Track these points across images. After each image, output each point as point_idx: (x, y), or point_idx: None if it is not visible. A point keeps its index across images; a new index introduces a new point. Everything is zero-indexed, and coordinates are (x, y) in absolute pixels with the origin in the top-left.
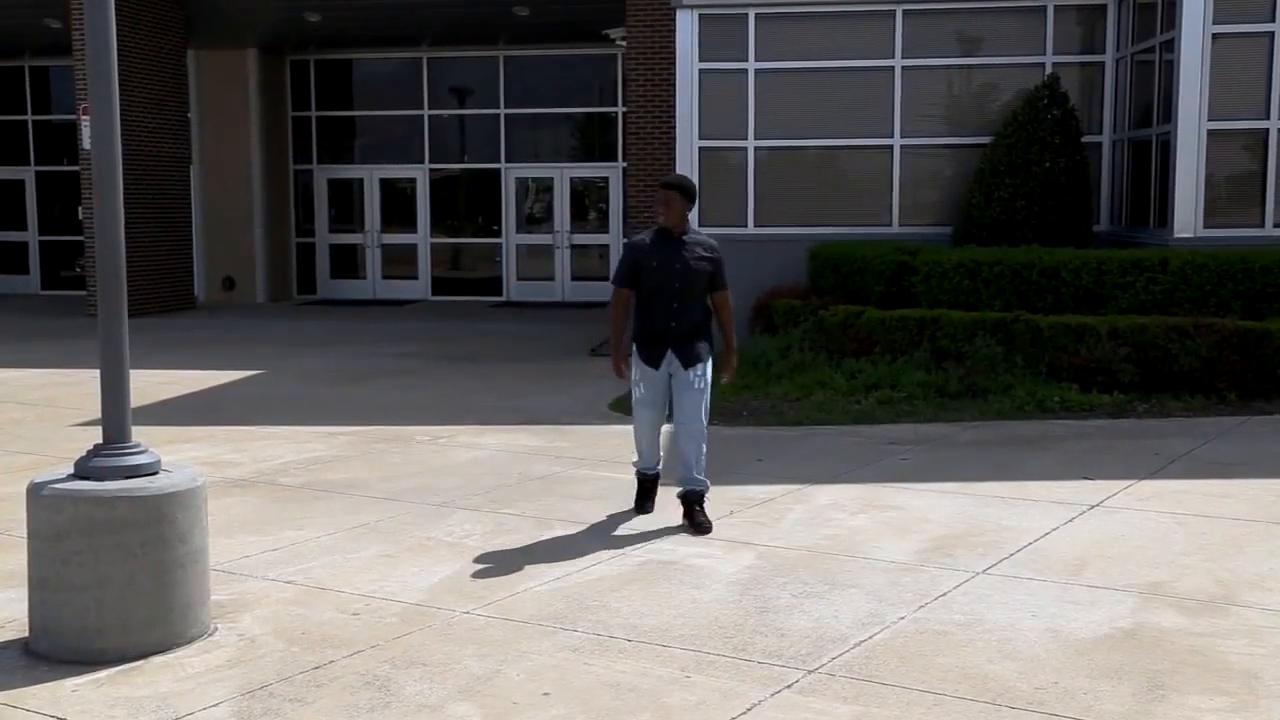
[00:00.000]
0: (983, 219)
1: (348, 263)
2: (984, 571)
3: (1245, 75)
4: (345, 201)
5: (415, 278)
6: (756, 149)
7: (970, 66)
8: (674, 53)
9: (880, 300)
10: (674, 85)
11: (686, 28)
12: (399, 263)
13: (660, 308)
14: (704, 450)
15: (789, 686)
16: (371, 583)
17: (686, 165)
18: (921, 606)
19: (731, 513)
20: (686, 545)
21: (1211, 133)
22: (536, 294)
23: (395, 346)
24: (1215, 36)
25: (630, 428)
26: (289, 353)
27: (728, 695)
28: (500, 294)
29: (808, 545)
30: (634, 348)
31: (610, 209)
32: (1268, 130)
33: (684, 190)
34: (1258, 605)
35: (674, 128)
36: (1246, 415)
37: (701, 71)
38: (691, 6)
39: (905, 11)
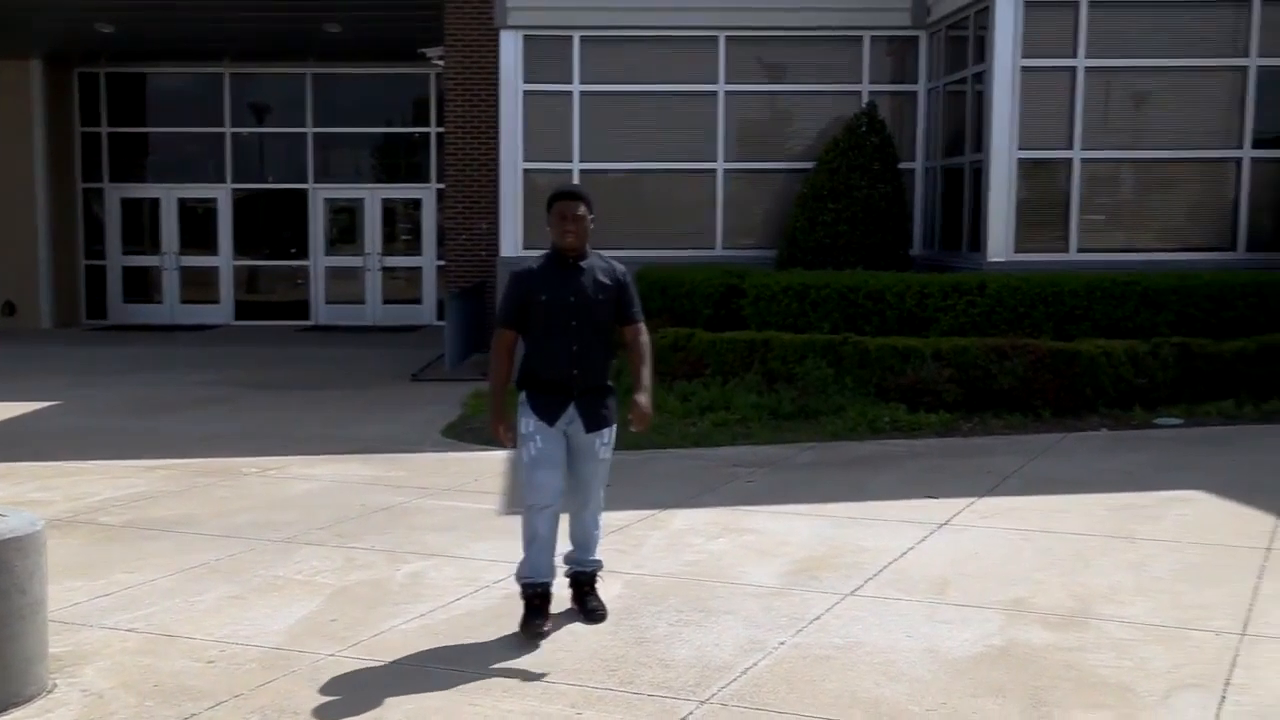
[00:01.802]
0: (807, 243)
1: (142, 286)
2: (852, 593)
3: (1051, 107)
4: (140, 222)
5: (217, 301)
6: (581, 171)
7: (791, 93)
8: (494, 73)
9: (709, 323)
10: (495, 106)
11: (510, 48)
12: (199, 286)
13: (557, 352)
14: (600, 525)
15: (684, 719)
16: (222, 627)
17: (510, 188)
18: (799, 631)
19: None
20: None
21: (1021, 161)
22: (346, 318)
23: (202, 374)
24: (1024, 69)
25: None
26: (85, 381)
27: None
28: (308, 318)
29: (673, 572)
30: (523, 397)
31: (423, 231)
32: (1071, 160)
33: (589, 203)
34: (1115, 618)
35: (494, 148)
36: (1062, 432)
37: (526, 93)
38: (515, 27)
39: (728, 37)
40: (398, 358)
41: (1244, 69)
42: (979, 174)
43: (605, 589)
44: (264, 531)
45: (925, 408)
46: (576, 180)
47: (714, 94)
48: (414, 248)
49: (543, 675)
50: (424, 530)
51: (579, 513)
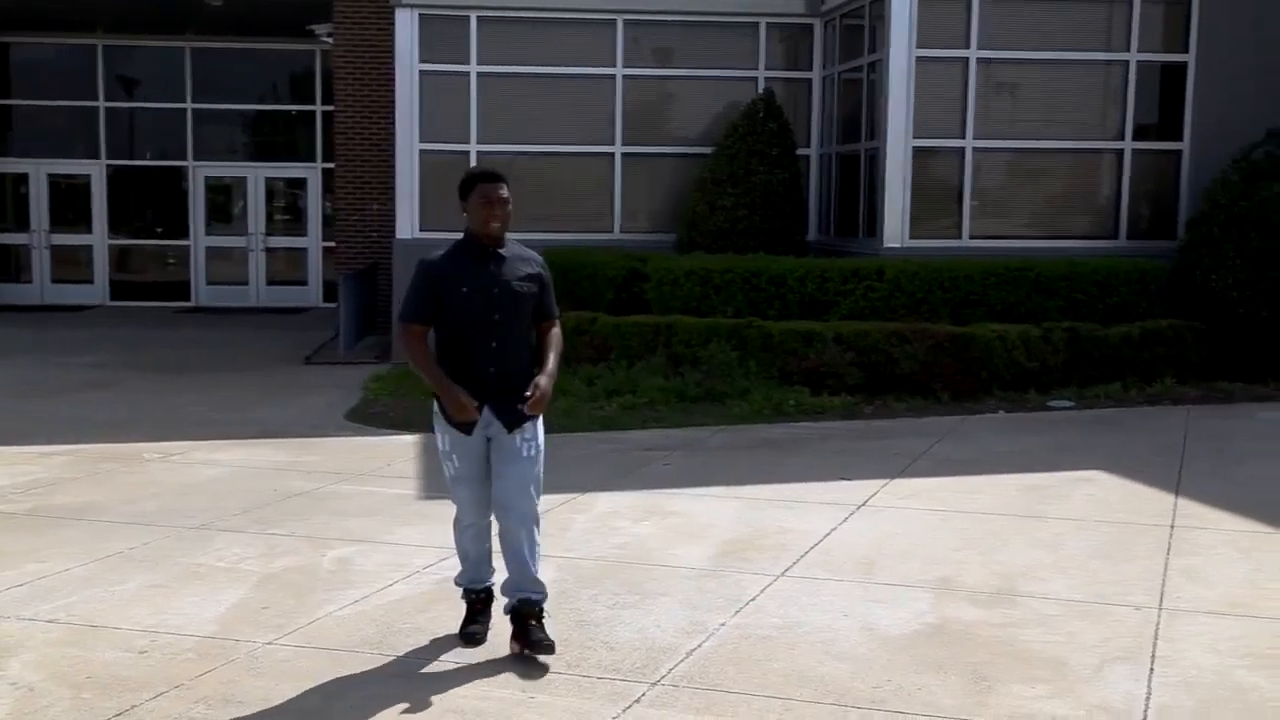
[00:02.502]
0: (707, 227)
1: (9, 265)
2: (783, 574)
3: (945, 97)
4: (5, 199)
5: (91, 281)
6: (479, 153)
7: (688, 78)
8: (386, 51)
9: (611, 307)
10: (386, 85)
11: (406, 27)
12: (72, 265)
13: (473, 349)
14: (538, 541)
15: (638, 701)
16: (150, 616)
17: (407, 168)
18: (737, 612)
19: None
20: None
21: (917, 149)
22: (228, 299)
23: (80, 356)
24: (919, 59)
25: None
26: None
27: (579, 714)
28: (189, 299)
29: (604, 555)
30: (436, 406)
31: (309, 211)
32: (964, 149)
33: (507, 183)
34: (1038, 595)
35: (386, 128)
36: (962, 414)
37: (422, 73)
38: (411, 6)
39: (626, 21)
40: (286, 340)
41: (1125, 63)
42: (875, 161)
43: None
44: (176, 519)
45: (828, 391)
46: (474, 162)
47: (612, 77)
48: (299, 228)
49: (489, 660)
50: (345, 516)
51: (508, 527)
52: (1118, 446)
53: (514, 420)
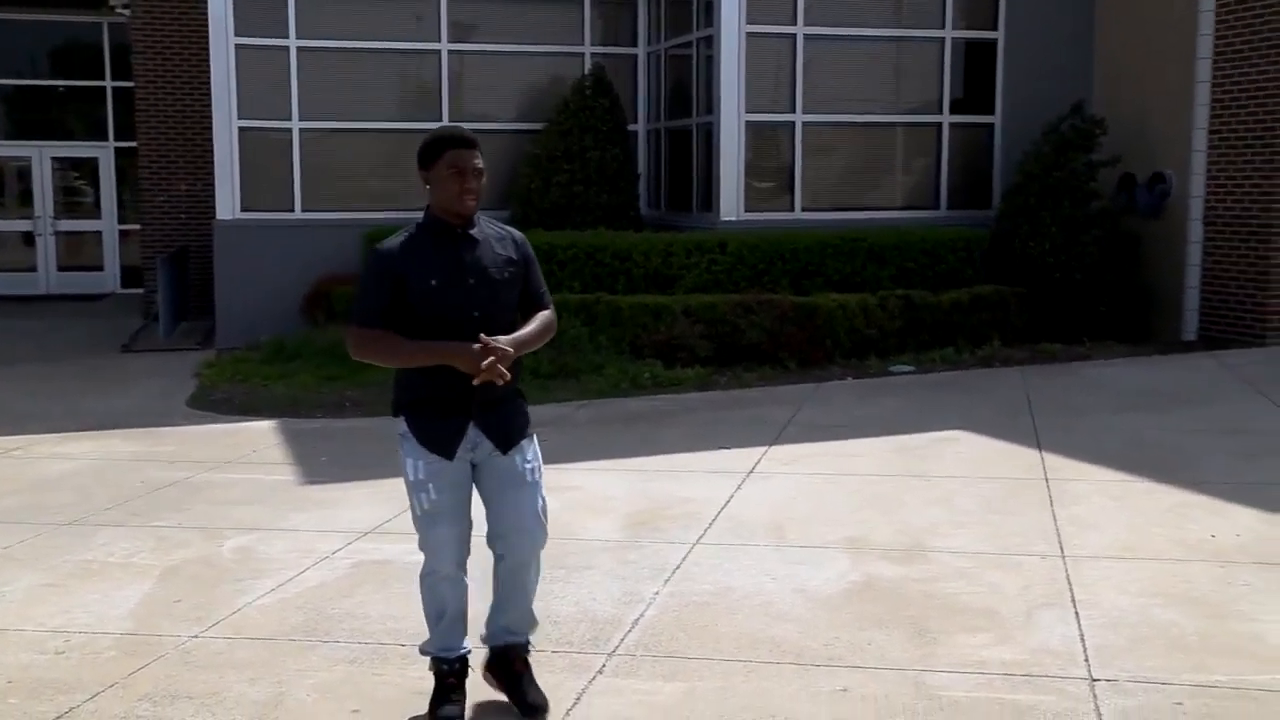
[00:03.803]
0: (542, 204)
1: None
2: (698, 542)
3: (776, 72)
4: None
5: None
6: (302, 130)
7: (515, 54)
8: (191, 23)
9: None
10: (192, 59)
11: None
12: None
13: None
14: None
15: (600, 672)
16: (54, 617)
17: (225, 146)
18: (667, 581)
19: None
20: (394, 543)
21: (750, 124)
22: (15, 286)
23: None
24: (749, 35)
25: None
26: None
27: (548, 688)
28: None
29: None
30: (402, 426)
31: (102, 192)
32: (795, 123)
33: (480, 151)
34: (947, 549)
35: (193, 104)
36: (813, 382)
37: (238, 46)
38: None
39: None
40: (92, 328)
41: (942, 40)
42: (709, 136)
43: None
44: (41, 515)
45: (681, 363)
46: (296, 140)
47: (437, 52)
48: (92, 211)
49: None
50: (228, 505)
51: (519, 558)
52: (970, 407)
53: (510, 435)
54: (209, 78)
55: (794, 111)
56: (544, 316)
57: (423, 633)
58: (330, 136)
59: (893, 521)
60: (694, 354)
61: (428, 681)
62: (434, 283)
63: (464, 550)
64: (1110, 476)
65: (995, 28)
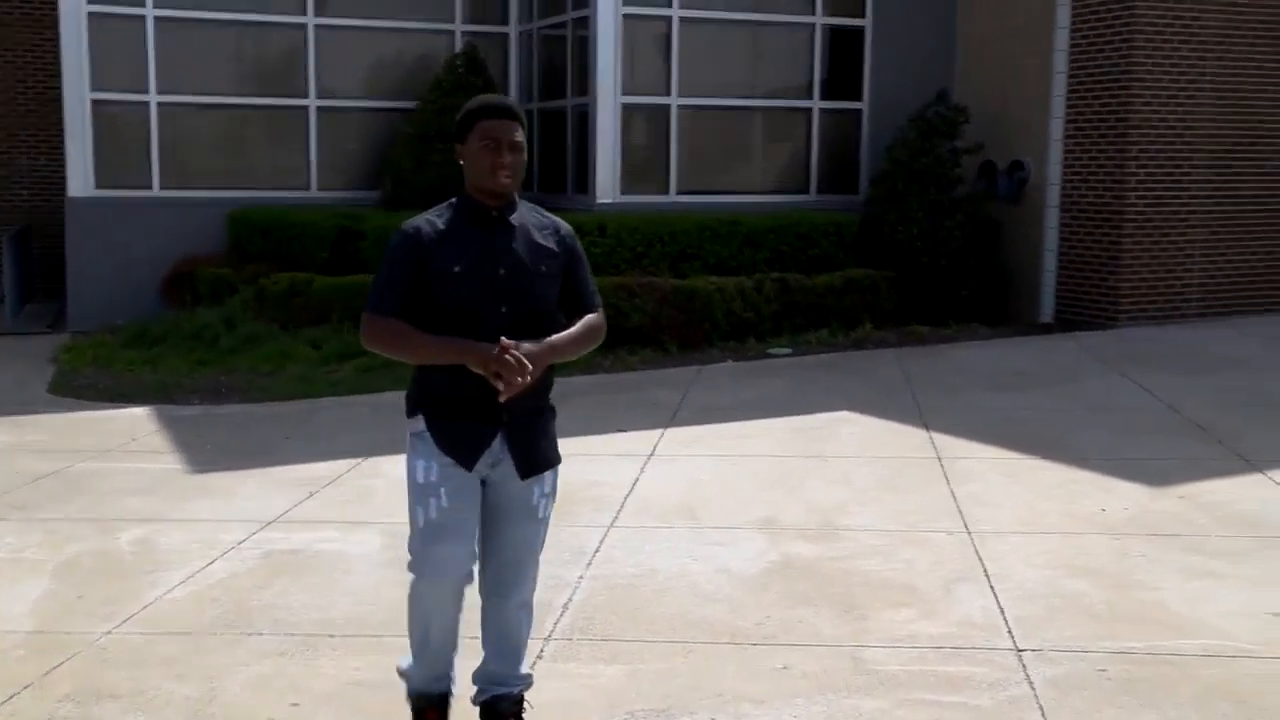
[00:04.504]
0: (416, 184)
1: None
2: (613, 525)
3: (651, 55)
4: None
5: None
6: (160, 105)
7: (385, 30)
8: None
9: (324, 266)
10: (33, 25)
11: None
12: None
13: None
14: (533, 621)
15: (540, 657)
16: None
17: (78, 120)
18: (589, 564)
19: (312, 494)
20: (300, 532)
21: (625, 106)
22: None
23: None
24: (625, 17)
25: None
26: None
27: None
28: None
29: None
30: (419, 425)
31: None
32: (669, 106)
33: (523, 124)
34: (858, 528)
35: (35, 73)
36: (696, 365)
37: (91, 15)
38: None
39: None
40: None
41: (812, 26)
42: (584, 118)
43: (365, 540)
44: None
45: None
46: (154, 115)
47: (303, 26)
48: None
49: (362, 630)
50: (116, 495)
51: (500, 604)
52: (852, 388)
53: (534, 464)
54: (55, 46)
55: (669, 95)
56: (590, 320)
57: (352, 624)
58: (191, 111)
59: (800, 501)
60: None
61: (365, 672)
62: (457, 269)
63: (468, 575)
64: (997, 454)
65: (863, 15)
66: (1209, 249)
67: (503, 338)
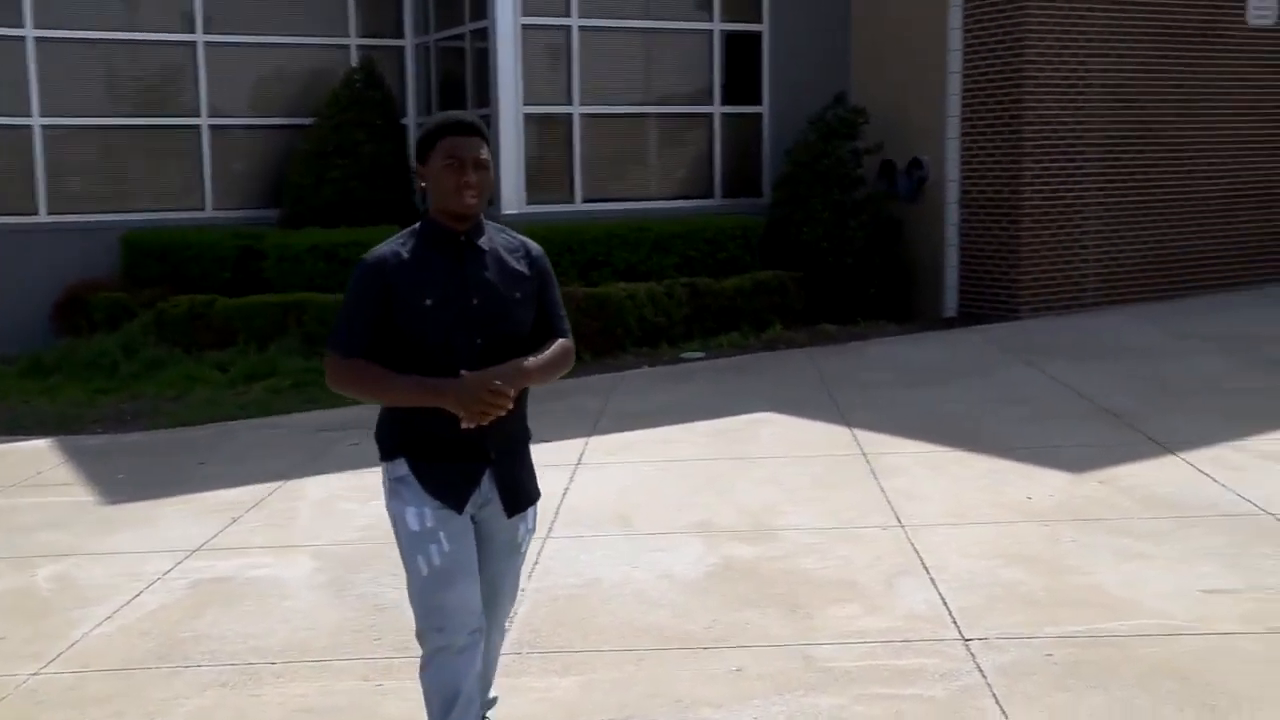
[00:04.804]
0: (316, 201)
1: None
2: (549, 535)
3: (552, 64)
4: None
5: None
6: (44, 127)
7: (278, 45)
8: None
9: (226, 287)
10: None
11: None
12: None
13: None
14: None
15: None
16: None
17: None
18: (530, 575)
19: (235, 520)
20: (228, 559)
21: (528, 116)
22: None
23: None
24: (525, 27)
25: None
26: None
27: None
28: None
29: (353, 540)
30: (401, 470)
31: None
32: (572, 115)
33: (488, 140)
34: (792, 527)
35: None
36: (612, 372)
37: None
38: None
39: None
40: None
41: (710, 32)
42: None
43: (296, 564)
44: None
45: None
46: (38, 138)
47: (192, 44)
48: None
49: (304, 655)
50: (26, 530)
51: (493, 638)
52: (770, 389)
53: (519, 499)
54: None
55: (571, 103)
56: (561, 345)
57: (292, 650)
58: (77, 133)
59: (731, 503)
60: None
61: (314, 698)
62: (429, 301)
63: (479, 616)
64: (921, 448)
65: (760, 20)
66: (1103, 240)
67: (462, 370)
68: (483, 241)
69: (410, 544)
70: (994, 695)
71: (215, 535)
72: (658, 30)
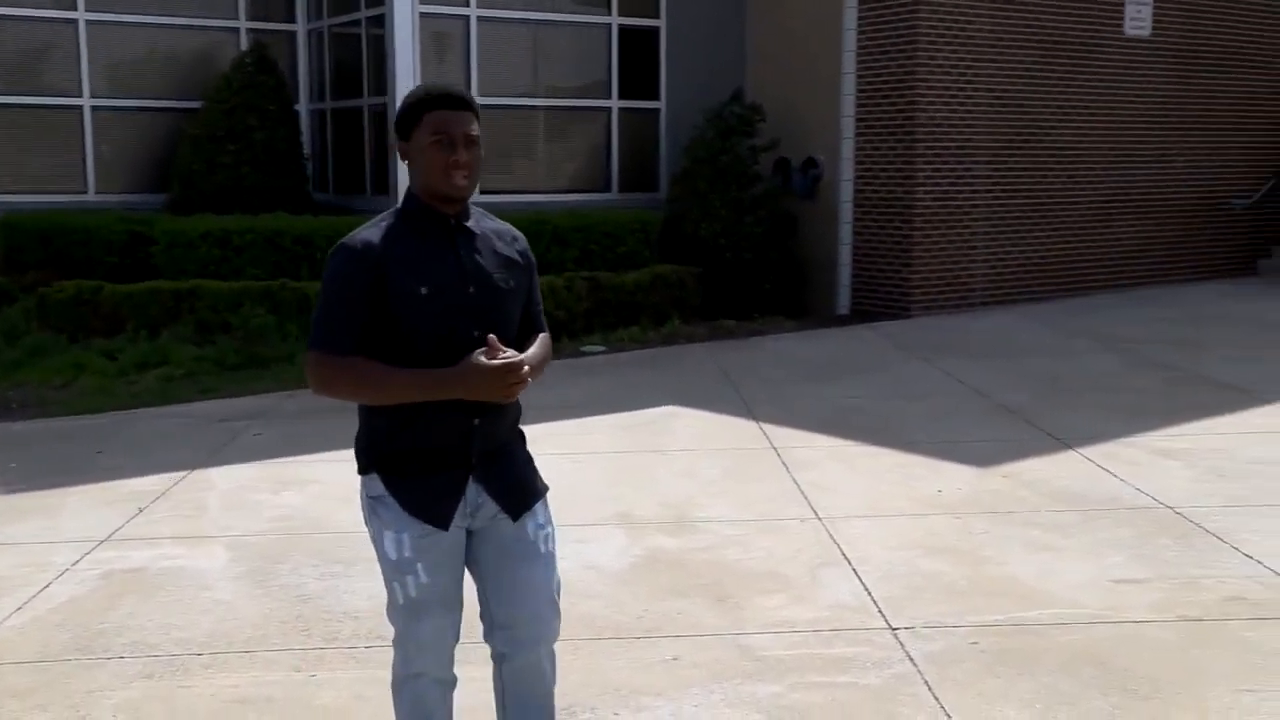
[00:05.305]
0: (206, 187)
1: None
2: None
3: (451, 54)
4: None
5: None
6: None
7: (164, 26)
8: None
9: (112, 274)
10: None
11: None
12: None
13: None
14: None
15: None
16: None
17: None
18: None
19: (141, 510)
20: (139, 550)
21: None
22: None
23: None
24: (423, 15)
25: None
26: None
27: (379, 683)
28: None
29: (268, 530)
30: (376, 488)
31: None
32: None
33: (478, 114)
34: (713, 519)
35: None
36: None
37: None
38: None
39: None
40: None
41: (609, 26)
42: (382, 117)
43: (212, 555)
44: None
45: None
46: None
47: (74, 21)
48: None
49: (230, 646)
50: None
51: (528, 661)
52: (675, 384)
53: (522, 497)
54: None
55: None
56: (545, 340)
57: (219, 640)
58: None
59: (650, 496)
60: None
61: (246, 689)
62: (424, 290)
63: (455, 641)
64: (830, 442)
65: (658, 16)
66: (991, 241)
67: (490, 336)
68: (472, 224)
69: (387, 570)
70: (926, 682)
71: (122, 526)
72: (556, 23)
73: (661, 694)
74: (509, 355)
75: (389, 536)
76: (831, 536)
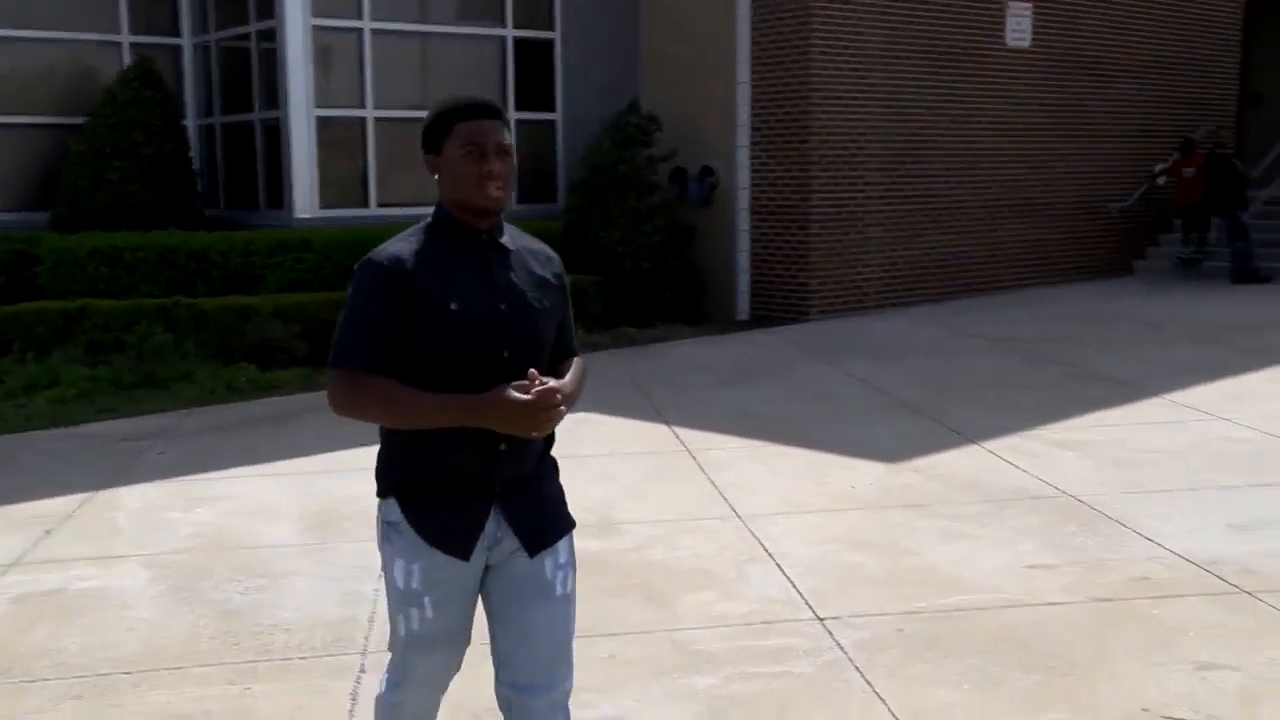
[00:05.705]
0: (92, 204)
1: None
2: None
3: (344, 67)
4: None
5: None
6: None
7: (43, 40)
8: None
9: None
10: None
11: None
12: None
13: None
14: None
15: (364, 671)
16: None
17: None
18: (380, 575)
19: (48, 532)
20: (51, 572)
21: (320, 119)
22: None
23: None
24: (315, 28)
25: None
26: None
27: (318, 693)
28: None
29: (187, 547)
30: (392, 512)
31: None
32: (366, 119)
33: (509, 124)
34: (635, 521)
35: None
36: None
37: None
38: None
39: None
40: None
41: (503, 38)
42: (274, 131)
43: (132, 574)
44: None
45: (279, 365)
46: None
47: None
48: None
49: (161, 664)
50: None
51: (526, 704)
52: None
53: (543, 533)
54: None
55: (364, 107)
56: (580, 366)
57: (147, 658)
58: None
59: (570, 501)
60: (292, 355)
61: (180, 704)
62: (454, 305)
63: (455, 673)
64: (742, 443)
65: (553, 28)
66: (884, 246)
67: (531, 370)
68: (506, 240)
69: (393, 599)
70: (857, 669)
71: (30, 549)
72: (451, 35)
73: (601, 690)
74: (543, 385)
75: (399, 565)
76: (753, 534)
